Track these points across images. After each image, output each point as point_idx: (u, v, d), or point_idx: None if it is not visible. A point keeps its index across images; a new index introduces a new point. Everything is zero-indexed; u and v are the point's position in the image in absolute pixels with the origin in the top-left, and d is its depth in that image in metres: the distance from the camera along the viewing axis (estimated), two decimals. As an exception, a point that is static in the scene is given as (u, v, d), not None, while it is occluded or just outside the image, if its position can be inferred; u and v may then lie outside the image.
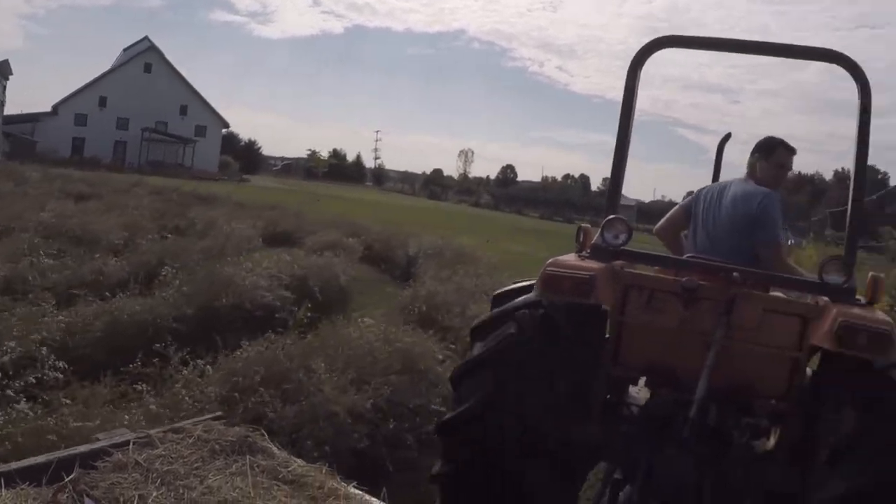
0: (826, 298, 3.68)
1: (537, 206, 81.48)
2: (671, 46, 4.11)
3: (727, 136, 6.05)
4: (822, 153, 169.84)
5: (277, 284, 8.81)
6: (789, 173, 4.74)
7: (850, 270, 3.70)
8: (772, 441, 3.95)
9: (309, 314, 7.54)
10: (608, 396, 4.11)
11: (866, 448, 3.24)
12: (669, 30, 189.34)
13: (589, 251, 3.93)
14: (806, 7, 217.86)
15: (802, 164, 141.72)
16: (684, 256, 4.29)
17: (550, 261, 3.71)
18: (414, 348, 6.13)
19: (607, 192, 4.29)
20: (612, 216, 3.93)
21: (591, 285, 3.54)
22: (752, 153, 4.62)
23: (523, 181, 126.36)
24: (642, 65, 4.03)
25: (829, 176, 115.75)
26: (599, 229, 3.94)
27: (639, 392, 4.19)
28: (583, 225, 4.24)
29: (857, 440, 3.27)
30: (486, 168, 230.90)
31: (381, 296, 10.68)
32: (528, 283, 3.92)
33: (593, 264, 3.71)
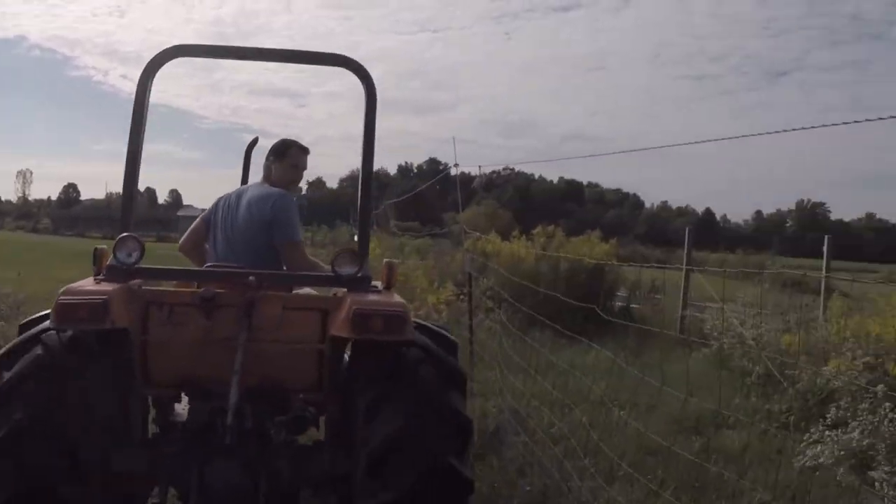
0: (345, 289, 3.96)
1: (101, 226, 77.72)
2: (182, 56, 4.17)
3: (254, 141, 6.16)
4: (384, 148, 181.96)
5: None
6: (305, 172, 5.06)
7: (361, 261, 4.01)
8: (321, 431, 4.32)
9: None
10: (154, 418, 4.31)
11: (391, 413, 3.56)
12: (237, 35, 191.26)
13: (105, 273, 3.93)
14: (370, 12, 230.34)
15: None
16: (204, 266, 4.52)
17: (64, 289, 3.66)
18: None
19: (121, 208, 4.26)
20: (124, 234, 3.95)
21: (105, 310, 3.52)
22: (267, 157, 4.94)
23: (87, 199, 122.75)
24: (153, 76, 4.07)
25: (393, 171, 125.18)
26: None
27: (184, 409, 4.26)
28: (98, 247, 4.23)
29: (382, 409, 3.59)
30: (47, 188, 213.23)
31: None
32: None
33: (108, 287, 3.72)
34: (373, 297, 3.89)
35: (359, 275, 3.97)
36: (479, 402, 7.39)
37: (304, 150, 4.96)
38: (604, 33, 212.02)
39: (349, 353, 4.07)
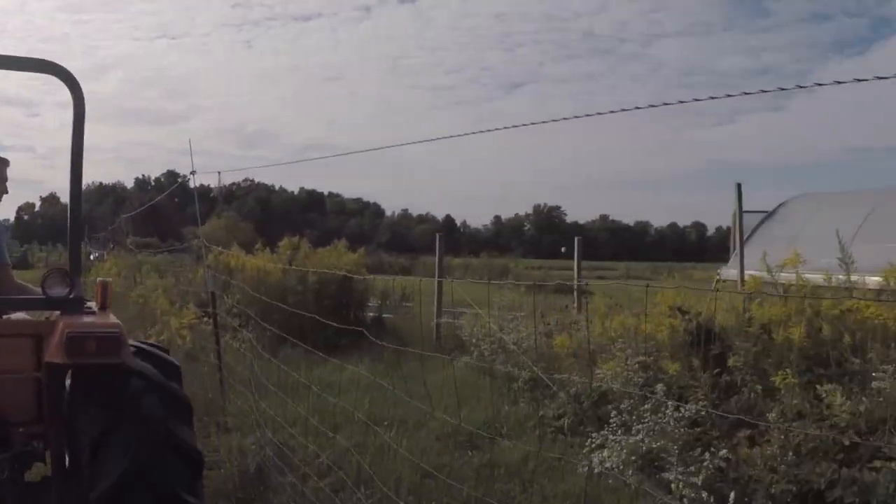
0: (58, 312, 3.83)
1: None
2: None
3: None
4: (121, 161, 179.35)
5: None
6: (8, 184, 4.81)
7: (73, 281, 3.85)
8: (48, 466, 4.09)
9: None
10: None
11: (121, 444, 3.50)
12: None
13: None
14: (108, 16, 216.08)
15: (103, 174, 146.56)
16: None
17: None
18: None
19: None
20: None
21: None
22: None
23: None
24: None
25: (130, 184, 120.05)
26: None
27: None
28: None
29: (110, 440, 3.52)
30: None
31: None
32: None
33: None
34: (87, 318, 3.78)
35: (71, 296, 3.83)
36: (237, 438, 6.70)
37: (5, 162, 4.77)
38: (343, 43, 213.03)
39: (70, 380, 3.84)
